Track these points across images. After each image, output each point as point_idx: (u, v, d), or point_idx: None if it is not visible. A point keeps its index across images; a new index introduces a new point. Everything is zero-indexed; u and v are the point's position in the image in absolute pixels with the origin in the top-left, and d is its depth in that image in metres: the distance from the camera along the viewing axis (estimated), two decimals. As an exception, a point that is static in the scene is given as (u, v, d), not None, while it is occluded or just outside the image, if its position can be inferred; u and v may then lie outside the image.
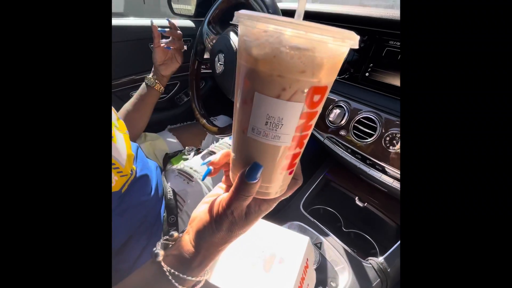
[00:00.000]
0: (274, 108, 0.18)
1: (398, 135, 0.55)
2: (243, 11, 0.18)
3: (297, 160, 0.23)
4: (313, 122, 0.21)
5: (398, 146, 0.55)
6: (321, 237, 0.59)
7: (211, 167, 0.28)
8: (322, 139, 0.70)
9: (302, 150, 0.22)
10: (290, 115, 0.19)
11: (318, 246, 0.57)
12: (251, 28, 0.17)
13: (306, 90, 0.18)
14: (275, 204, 0.27)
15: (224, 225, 0.25)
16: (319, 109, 0.20)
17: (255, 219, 0.26)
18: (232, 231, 0.25)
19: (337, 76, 0.74)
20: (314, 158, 0.98)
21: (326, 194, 0.76)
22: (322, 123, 0.70)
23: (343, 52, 0.18)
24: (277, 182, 0.23)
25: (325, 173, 0.75)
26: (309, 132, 0.21)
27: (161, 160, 0.79)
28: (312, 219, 0.64)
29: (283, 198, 0.27)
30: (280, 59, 0.17)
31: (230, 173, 0.26)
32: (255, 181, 0.22)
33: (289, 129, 0.19)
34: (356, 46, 0.18)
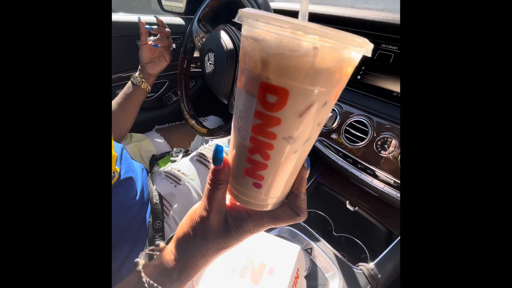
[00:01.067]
0: (238, 98, 0.19)
1: (390, 139, 0.55)
2: (246, 9, 0.17)
3: (265, 175, 0.21)
4: (278, 132, 0.18)
5: (389, 150, 0.54)
6: (312, 243, 0.58)
7: None
8: (313, 142, 0.69)
9: (268, 163, 0.20)
10: (246, 108, 0.19)
11: (308, 252, 0.56)
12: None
13: (256, 84, 0.17)
14: (262, 229, 0.24)
15: (198, 228, 0.24)
16: (281, 116, 0.17)
17: (235, 236, 0.24)
18: (207, 238, 0.24)
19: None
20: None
21: (317, 197, 0.75)
22: (313, 126, 0.69)
23: (301, 52, 0.15)
24: (242, 187, 0.22)
25: (317, 176, 0.75)
26: (274, 144, 0.18)
27: (148, 162, 0.76)
28: (303, 223, 0.63)
29: (272, 226, 0.25)
30: (243, 49, 0.18)
31: None
32: (219, 166, 0.22)
33: (246, 124, 0.19)
34: (315, 44, 0.15)
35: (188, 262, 0.25)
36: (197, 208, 0.25)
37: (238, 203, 0.24)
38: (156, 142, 0.83)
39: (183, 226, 0.26)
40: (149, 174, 0.68)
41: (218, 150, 0.22)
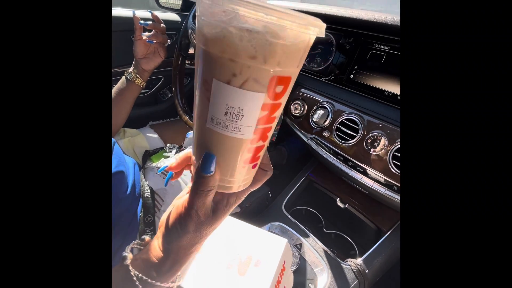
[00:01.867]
0: (234, 98, 0.17)
1: (379, 138, 0.55)
2: None
3: (261, 154, 0.22)
4: (277, 114, 0.19)
5: (379, 148, 0.55)
6: (302, 238, 0.58)
7: (172, 172, 0.27)
8: (306, 139, 0.70)
9: (266, 143, 0.21)
10: (251, 106, 0.17)
11: (298, 247, 0.56)
12: (207, 6, 0.16)
13: (263, 80, 0.17)
14: (244, 196, 0.25)
15: (189, 226, 0.24)
16: (283, 101, 0.19)
17: (223, 214, 0.25)
18: (199, 230, 0.24)
19: (323, 77, 0.75)
20: (300, 158, 0.97)
21: (309, 194, 0.76)
22: (306, 124, 0.70)
23: (304, 41, 0.16)
24: (240, 176, 0.22)
25: (309, 173, 0.75)
26: (273, 125, 0.20)
27: (141, 157, 0.76)
28: (293, 220, 0.63)
29: (251, 190, 0.26)
30: (229, 40, 0.16)
31: (192, 168, 0.25)
32: (211, 174, 0.21)
33: (250, 121, 0.18)
34: (322, 35, 0.17)
35: (181, 256, 0.25)
36: (183, 205, 0.24)
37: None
38: (149, 137, 0.83)
39: (168, 223, 0.26)
40: (142, 169, 0.68)
41: (210, 159, 0.20)
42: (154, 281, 0.25)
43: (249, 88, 0.17)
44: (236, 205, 0.25)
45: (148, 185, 0.62)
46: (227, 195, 0.24)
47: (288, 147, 1.07)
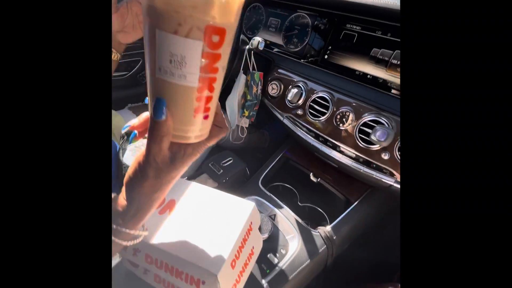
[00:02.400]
0: (175, 46, 0.19)
1: (348, 114, 0.59)
2: None
3: (212, 105, 0.24)
4: (219, 65, 0.22)
5: (347, 124, 0.58)
6: (276, 209, 0.62)
7: (135, 131, 0.28)
8: (282, 118, 0.72)
9: (213, 94, 0.23)
10: (192, 53, 0.20)
11: (272, 217, 0.60)
12: None
13: (202, 28, 0.19)
14: (201, 149, 0.27)
15: (149, 172, 0.26)
16: (222, 52, 0.21)
17: (181, 163, 0.26)
18: (158, 177, 0.26)
19: (302, 59, 0.76)
20: (281, 141, 1.00)
21: (285, 171, 0.79)
22: (282, 103, 0.72)
23: None
24: (194, 126, 0.24)
25: (285, 151, 0.78)
26: (217, 76, 0.22)
27: (119, 137, 0.76)
28: (269, 193, 0.66)
29: (208, 145, 0.28)
30: None
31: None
32: (162, 119, 0.22)
33: (193, 68, 0.20)
34: None
35: (143, 202, 0.27)
36: (142, 154, 0.26)
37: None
38: (128, 119, 0.82)
39: (129, 172, 0.27)
40: (119, 149, 0.69)
41: (160, 104, 0.22)
42: (119, 227, 0.28)
43: (191, 36, 0.19)
44: (194, 157, 0.27)
45: (125, 162, 0.63)
46: (184, 145, 0.26)
47: (270, 131, 1.10)
